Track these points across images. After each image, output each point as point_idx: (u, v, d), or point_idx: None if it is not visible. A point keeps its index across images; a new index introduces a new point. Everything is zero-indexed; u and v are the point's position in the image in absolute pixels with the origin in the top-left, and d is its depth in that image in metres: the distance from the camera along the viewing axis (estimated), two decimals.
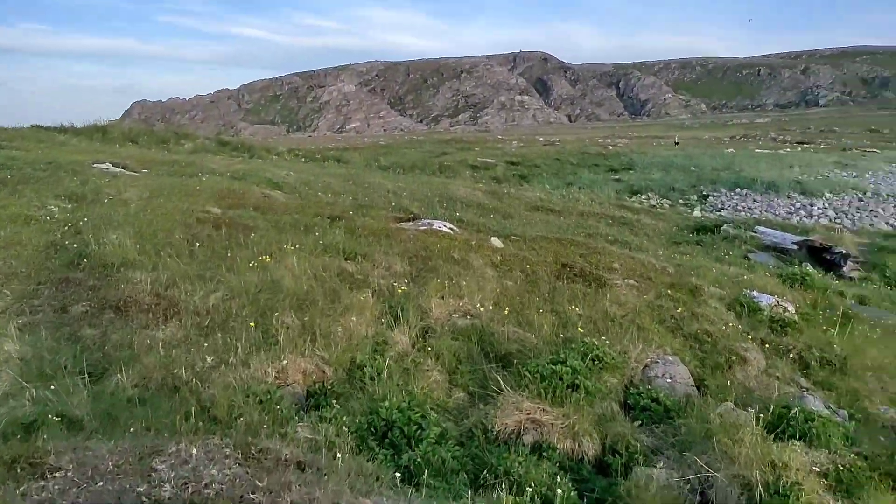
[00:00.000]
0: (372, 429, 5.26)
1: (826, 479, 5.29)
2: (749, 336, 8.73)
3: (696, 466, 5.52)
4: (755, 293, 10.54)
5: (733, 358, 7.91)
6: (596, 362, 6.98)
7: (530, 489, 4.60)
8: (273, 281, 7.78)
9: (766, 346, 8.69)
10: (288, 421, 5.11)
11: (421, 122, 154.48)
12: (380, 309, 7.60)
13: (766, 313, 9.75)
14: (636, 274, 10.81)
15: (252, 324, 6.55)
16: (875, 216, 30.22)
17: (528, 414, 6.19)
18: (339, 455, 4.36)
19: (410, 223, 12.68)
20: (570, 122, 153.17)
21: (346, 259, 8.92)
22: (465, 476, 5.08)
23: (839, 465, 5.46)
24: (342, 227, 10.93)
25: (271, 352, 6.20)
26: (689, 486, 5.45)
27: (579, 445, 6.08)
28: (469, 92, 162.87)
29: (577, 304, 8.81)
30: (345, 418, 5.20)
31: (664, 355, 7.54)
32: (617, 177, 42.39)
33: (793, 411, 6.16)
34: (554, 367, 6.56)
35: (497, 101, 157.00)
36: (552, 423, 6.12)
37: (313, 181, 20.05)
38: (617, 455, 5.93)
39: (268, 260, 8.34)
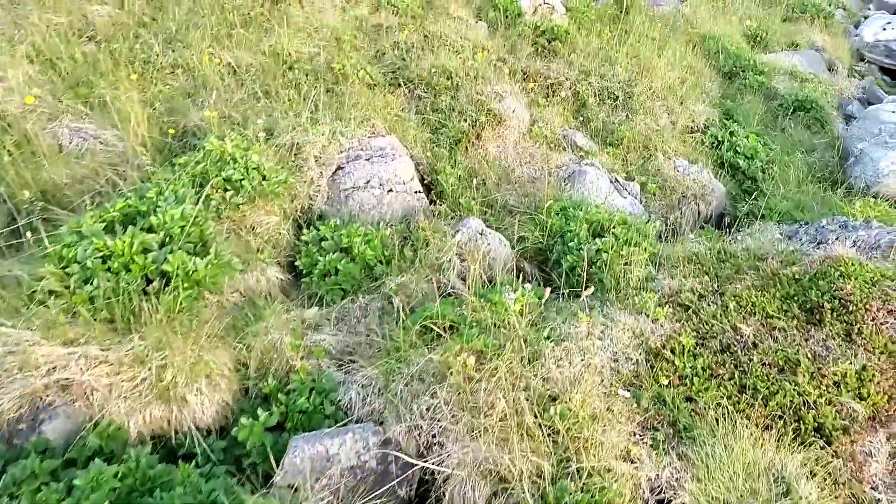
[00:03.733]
0: None
1: None
2: (507, 69, 5.69)
3: None
4: None
5: (484, 120, 4.91)
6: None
7: None
8: None
9: (528, 80, 5.78)
10: None
11: None
12: None
13: (528, 21, 6.66)
14: None
15: None
16: None
17: None
18: None
19: None
20: None
21: None
22: None
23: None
24: None
25: None
26: None
27: None
28: None
29: None
30: None
31: (373, 139, 4.27)
32: None
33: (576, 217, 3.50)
34: None
35: None
36: None
37: None
38: None
39: None
